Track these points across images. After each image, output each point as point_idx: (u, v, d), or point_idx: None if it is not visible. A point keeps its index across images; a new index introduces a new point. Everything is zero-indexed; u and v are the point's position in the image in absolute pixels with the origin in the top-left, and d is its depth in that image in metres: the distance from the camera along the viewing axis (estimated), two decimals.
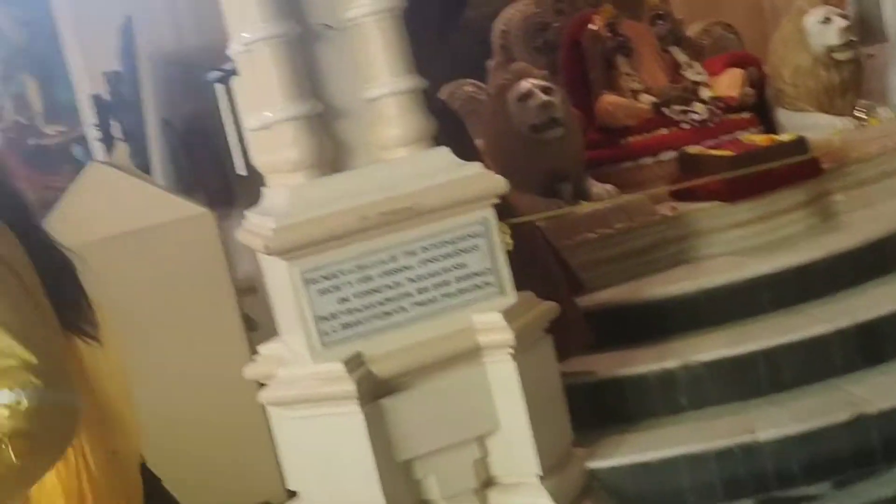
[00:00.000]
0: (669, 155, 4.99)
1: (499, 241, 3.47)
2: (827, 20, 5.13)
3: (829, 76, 5.16)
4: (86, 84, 6.09)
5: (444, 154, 3.45)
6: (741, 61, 5.54)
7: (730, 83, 5.24)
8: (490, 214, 3.45)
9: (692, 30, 6.00)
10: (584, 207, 4.54)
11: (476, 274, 3.44)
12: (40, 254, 1.70)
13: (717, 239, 4.59)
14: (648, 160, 5.03)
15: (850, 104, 5.22)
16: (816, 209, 4.75)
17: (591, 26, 5.42)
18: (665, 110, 5.09)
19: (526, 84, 4.65)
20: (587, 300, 4.16)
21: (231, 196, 5.22)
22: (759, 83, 5.46)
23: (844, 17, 5.15)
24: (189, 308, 4.18)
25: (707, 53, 5.92)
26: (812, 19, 5.17)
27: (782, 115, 5.38)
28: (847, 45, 5.09)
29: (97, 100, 5.37)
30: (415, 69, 3.46)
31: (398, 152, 3.45)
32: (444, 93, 5.42)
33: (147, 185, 4.21)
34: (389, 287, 3.36)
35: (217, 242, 4.27)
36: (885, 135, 5.02)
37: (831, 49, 5.12)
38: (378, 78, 3.43)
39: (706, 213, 4.57)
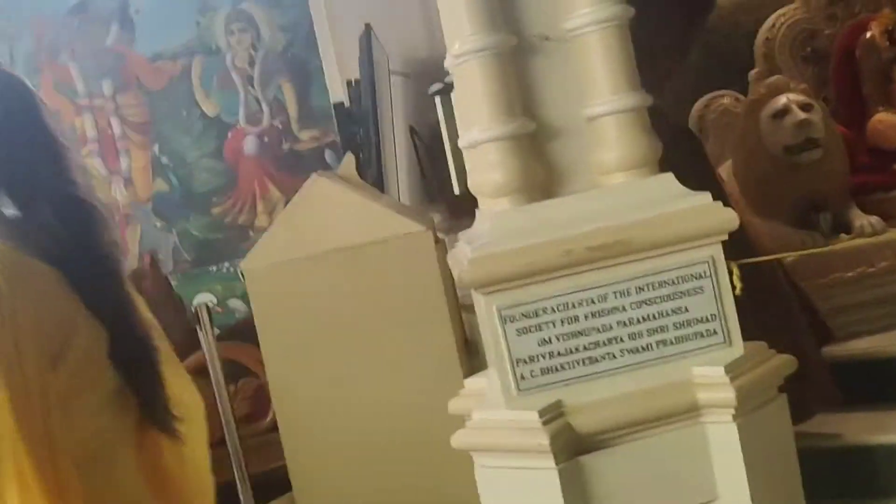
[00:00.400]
0: None
1: (727, 283, 3.03)
2: None
3: None
4: (339, 90, 6.08)
5: (668, 181, 3.07)
6: None
7: None
8: (717, 253, 3.02)
9: None
10: (843, 242, 3.99)
11: (698, 320, 3.03)
12: (121, 347, 1.52)
13: None
14: None
15: None
16: None
17: (866, 34, 4.81)
18: None
19: (782, 99, 4.16)
20: (838, 350, 3.63)
21: (463, 211, 5.01)
22: None
23: None
24: (400, 330, 4.00)
25: None
26: None
27: None
28: None
29: (338, 108, 5.32)
30: (639, 85, 3.11)
31: (616, 178, 3.11)
32: (699, 106, 5.00)
33: (367, 200, 4.05)
34: (597, 330, 3.01)
35: (433, 262, 4.06)
36: None
37: None
38: (598, 95, 3.10)
39: None
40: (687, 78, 5.18)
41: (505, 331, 3.01)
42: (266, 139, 6.44)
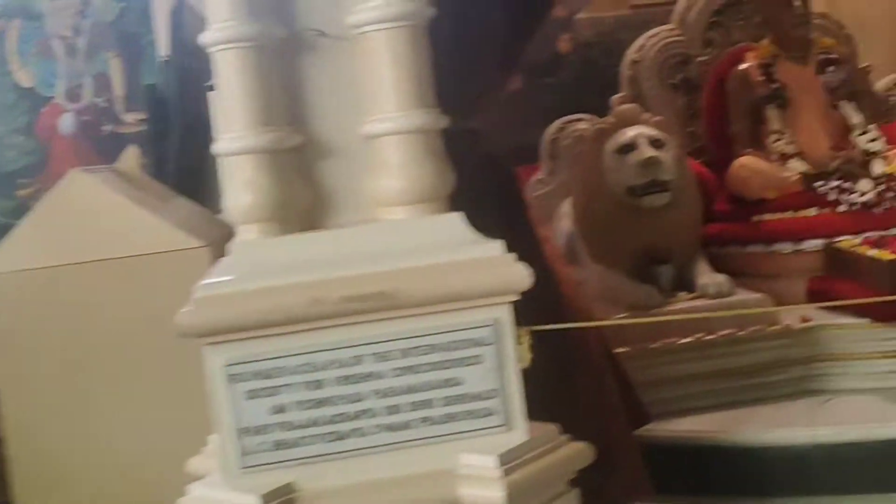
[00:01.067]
0: (815, 244, 3.85)
1: (513, 353, 2.48)
2: None
3: None
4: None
5: (455, 223, 2.51)
6: None
7: None
8: (504, 316, 2.47)
9: (881, 83, 4.78)
10: (680, 303, 3.48)
11: (472, 397, 2.48)
12: None
13: (857, 370, 3.45)
14: (786, 247, 3.92)
15: None
16: None
17: (740, 66, 4.32)
18: (819, 185, 3.93)
19: (630, 132, 3.63)
20: (655, 431, 3.11)
21: None
22: None
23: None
24: (156, 363, 3.38)
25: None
26: None
27: None
28: None
29: (149, 90, 4.66)
30: (432, 102, 2.54)
31: (395, 212, 2.54)
32: (552, 130, 4.46)
33: (134, 205, 3.41)
34: (347, 400, 2.44)
35: None
36: None
37: None
38: (379, 109, 2.52)
39: (848, 332, 3.43)
40: (538, 97, 4.68)
41: (231, 392, 2.41)
42: (85, 118, 5.72)
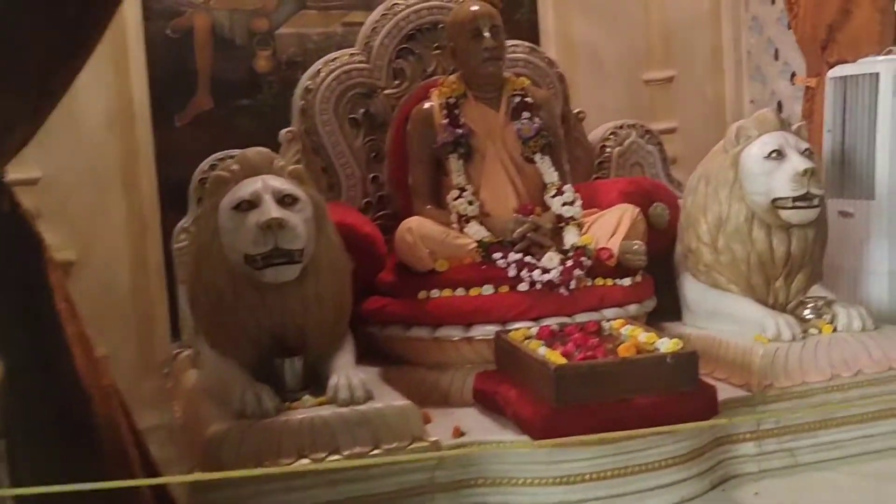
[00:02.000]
0: (486, 331, 3.09)
1: None
2: (778, 155, 3.24)
3: (767, 244, 3.27)
4: None
5: None
6: (646, 193, 3.65)
7: (613, 227, 3.34)
8: None
9: (596, 132, 4.13)
10: (300, 410, 2.67)
11: None
12: None
13: (518, 498, 2.71)
14: (455, 332, 3.13)
15: (795, 291, 3.33)
16: (704, 471, 2.86)
17: (424, 104, 3.56)
18: (497, 257, 3.18)
19: (252, 185, 2.78)
20: None
21: None
22: (666, 232, 3.58)
23: (807, 153, 3.27)
24: None
25: (616, 170, 4.06)
26: (755, 151, 3.28)
27: (690, 289, 3.48)
28: (804, 201, 3.20)
29: None
30: None
31: None
32: (201, 168, 3.58)
33: None
34: None
35: None
36: (843, 356, 3.11)
37: (777, 203, 3.23)
38: None
39: (507, 451, 2.68)
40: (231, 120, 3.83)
41: None
42: None
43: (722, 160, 3.35)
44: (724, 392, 3.06)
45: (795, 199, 3.18)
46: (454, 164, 3.43)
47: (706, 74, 5.20)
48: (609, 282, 3.26)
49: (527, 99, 3.54)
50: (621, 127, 4.14)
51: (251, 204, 2.80)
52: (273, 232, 2.73)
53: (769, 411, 3.02)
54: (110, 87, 4.35)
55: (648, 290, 3.41)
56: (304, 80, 3.82)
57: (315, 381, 2.86)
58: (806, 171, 3.15)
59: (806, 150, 3.27)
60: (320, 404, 2.74)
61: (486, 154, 3.46)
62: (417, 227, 3.21)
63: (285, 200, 2.82)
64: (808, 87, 4.26)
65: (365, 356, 3.25)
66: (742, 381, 3.07)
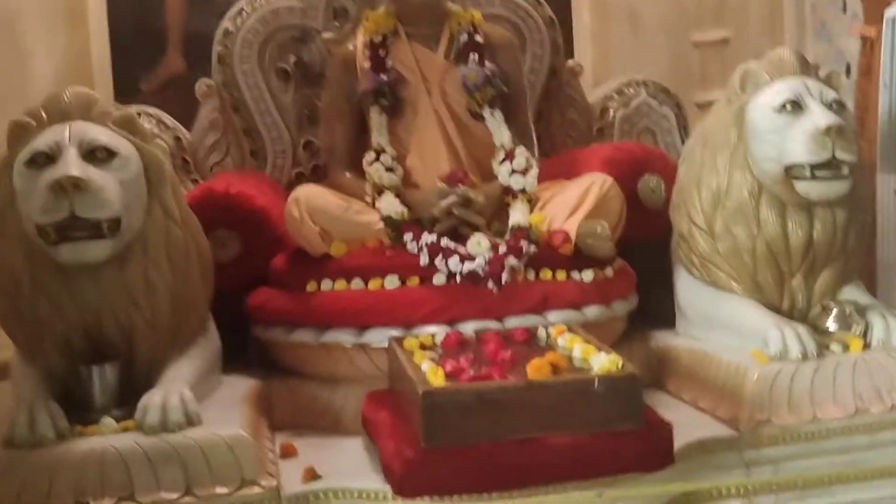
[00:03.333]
0: (384, 337, 2.30)
1: None
2: (794, 107, 2.37)
3: (780, 227, 2.41)
4: None
5: None
6: (636, 161, 2.82)
7: (576, 202, 2.52)
8: None
9: (598, 91, 3.31)
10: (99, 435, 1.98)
11: None
12: None
13: None
14: (345, 338, 2.36)
15: (820, 293, 2.45)
16: None
17: (349, 44, 2.81)
18: (408, 239, 2.41)
19: (59, 133, 2.09)
20: None
21: None
22: (662, 212, 2.74)
23: (836, 107, 2.39)
24: None
25: (619, 137, 3.23)
26: (764, 101, 2.42)
27: (683, 287, 2.63)
28: (827, 169, 2.33)
29: None
30: None
31: None
32: None
33: None
34: None
35: None
36: (874, 383, 2.23)
37: (792, 172, 2.37)
38: None
39: None
40: None
41: None
42: None
43: (724, 115, 2.50)
44: (705, 428, 2.24)
45: (815, 166, 2.31)
46: (375, 118, 2.66)
47: (764, 34, 4.32)
48: (561, 275, 2.44)
49: (477, 37, 2.74)
50: (628, 84, 3.30)
51: (49, 158, 2.10)
52: (68, 195, 2.03)
53: (762, 459, 2.17)
54: (65, 48, 3.80)
55: (623, 288, 2.58)
56: (225, 21, 3.11)
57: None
58: (830, 128, 2.27)
59: (834, 101, 2.39)
60: (124, 430, 2.02)
61: (419, 107, 2.68)
62: (307, 198, 2.45)
63: (96, 154, 2.11)
64: (864, 38, 3.33)
65: (252, 366, 2.55)
66: (729, 414, 2.23)
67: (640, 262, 2.74)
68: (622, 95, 3.29)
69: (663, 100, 3.30)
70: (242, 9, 3.11)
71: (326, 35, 3.12)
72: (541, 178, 2.70)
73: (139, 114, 2.92)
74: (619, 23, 4.27)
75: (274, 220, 2.61)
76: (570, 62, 3.32)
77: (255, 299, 2.54)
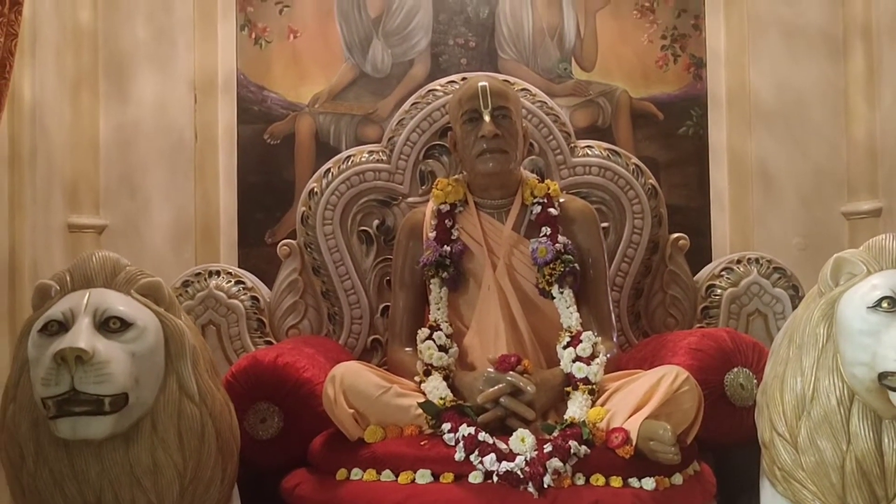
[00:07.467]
0: None
1: None
2: (892, 305, 2.06)
3: (873, 443, 2.07)
4: None
5: None
6: (724, 353, 2.53)
7: (642, 398, 2.26)
8: None
9: (705, 270, 3.06)
10: None
11: None
12: None
13: None
14: None
15: None
16: None
17: (420, 211, 2.69)
18: (446, 427, 2.20)
19: (75, 299, 2.04)
20: None
21: None
22: (745, 411, 2.43)
23: None
24: None
25: (726, 320, 2.95)
26: (858, 297, 2.11)
27: (766, 501, 2.29)
28: None
29: None
30: None
31: None
32: None
33: None
34: None
35: None
36: None
37: (888, 381, 2.03)
38: None
39: None
40: None
41: None
42: None
43: (812, 309, 2.20)
44: None
45: None
46: (435, 291, 2.50)
47: None
48: (616, 482, 2.16)
49: (550, 210, 2.55)
50: (739, 262, 3.03)
51: (62, 326, 2.03)
52: (70, 367, 1.93)
53: None
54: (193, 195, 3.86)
55: (695, 499, 2.26)
56: (311, 182, 3.05)
57: None
58: None
59: None
60: None
61: (483, 282, 2.50)
62: (343, 376, 2.29)
63: (110, 325, 2.02)
64: None
65: None
66: None
67: (732, 467, 2.43)
68: (731, 273, 3.02)
69: (777, 280, 3.00)
70: (329, 169, 3.05)
71: (411, 199, 3.01)
72: (625, 365, 2.45)
73: (218, 272, 2.88)
74: (757, 187, 4.00)
75: (319, 394, 2.46)
76: (674, 235, 3.08)
77: (289, 482, 2.37)
